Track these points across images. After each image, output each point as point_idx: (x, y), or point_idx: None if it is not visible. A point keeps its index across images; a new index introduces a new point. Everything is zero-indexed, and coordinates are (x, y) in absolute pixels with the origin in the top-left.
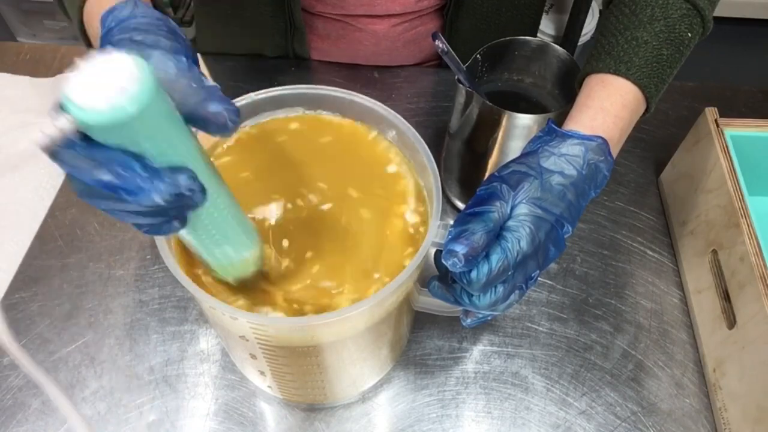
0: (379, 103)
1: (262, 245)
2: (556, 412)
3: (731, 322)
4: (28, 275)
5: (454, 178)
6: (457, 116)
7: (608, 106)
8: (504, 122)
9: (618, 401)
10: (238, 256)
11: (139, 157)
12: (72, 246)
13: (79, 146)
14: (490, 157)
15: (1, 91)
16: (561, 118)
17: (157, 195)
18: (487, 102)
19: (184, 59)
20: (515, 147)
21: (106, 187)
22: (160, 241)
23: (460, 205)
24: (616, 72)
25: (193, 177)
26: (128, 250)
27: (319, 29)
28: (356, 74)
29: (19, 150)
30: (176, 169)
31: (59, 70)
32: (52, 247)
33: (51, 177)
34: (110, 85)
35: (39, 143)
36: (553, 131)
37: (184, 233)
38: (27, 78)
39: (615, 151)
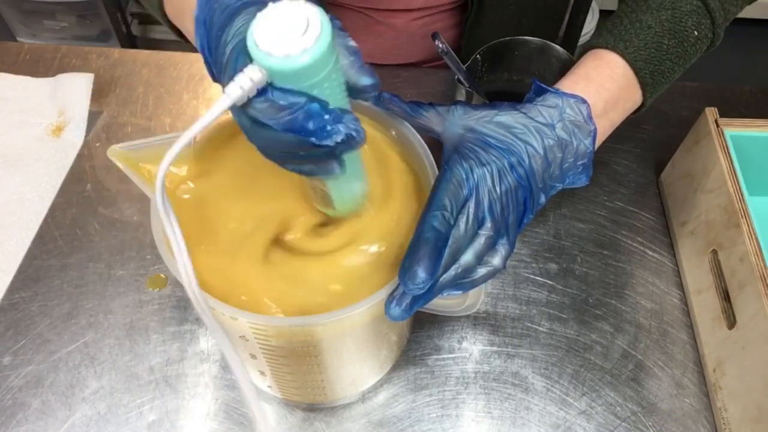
0: None
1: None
2: (556, 412)
3: (731, 322)
4: (28, 275)
5: None
6: None
7: (594, 75)
8: None
9: (618, 401)
10: (359, 191)
11: (321, 101)
12: (72, 246)
13: (269, 94)
14: None
15: (1, 91)
16: None
17: (338, 135)
18: (487, 102)
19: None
20: None
21: (296, 131)
22: (160, 241)
23: None
24: (613, 48)
25: (357, 118)
26: (128, 250)
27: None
28: None
29: (214, 106)
30: (345, 111)
31: (59, 70)
32: (52, 247)
33: (51, 177)
34: (297, 31)
35: (232, 96)
36: (530, 92)
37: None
38: (27, 78)
39: (600, 124)
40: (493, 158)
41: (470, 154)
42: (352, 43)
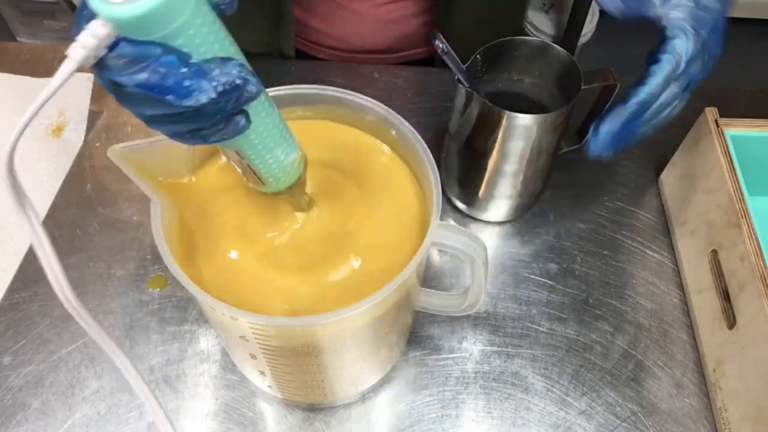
0: (379, 103)
1: (303, 154)
2: (556, 412)
3: (731, 322)
4: (28, 275)
5: (454, 178)
6: (456, 116)
7: None
8: (504, 122)
9: (618, 401)
10: (287, 159)
11: (181, 54)
12: (72, 246)
13: (118, 49)
14: (490, 157)
15: (1, 91)
16: (560, 118)
17: (202, 94)
18: (487, 102)
19: None
20: (515, 147)
21: (150, 88)
22: (160, 241)
23: (460, 206)
24: None
25: (242, 65)
26: (128, 250)
27: (304, 7)
28: (356, 74)
29: (59, 72)
30: (224, 60)
31: None
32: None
33: (51, 177)
34: None
35: (75, 57)
36: None
37: (236, 143)
38: (27, 78)
39: None
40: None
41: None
42: None
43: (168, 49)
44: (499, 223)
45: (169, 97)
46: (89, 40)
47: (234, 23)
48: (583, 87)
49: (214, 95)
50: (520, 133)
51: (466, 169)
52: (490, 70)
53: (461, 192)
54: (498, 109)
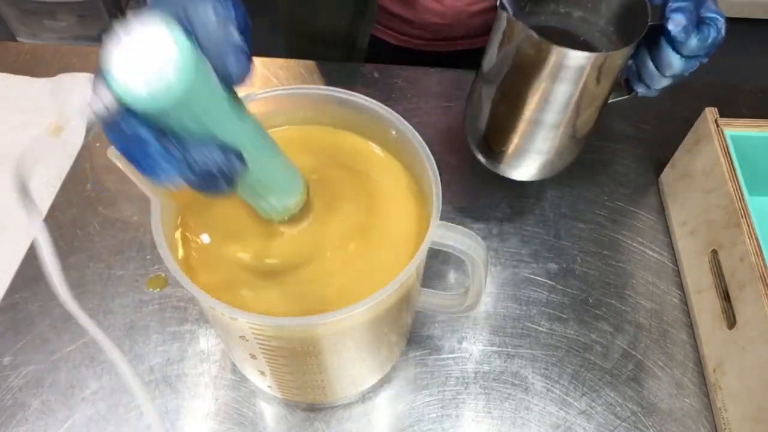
0: (378, 103)
1: (306, 187)
2: (556, 412)
3: (731, 322)
4: (28, 275)
5: (480, 127)
6: (492, 51)
7: None
8: (552, 60)
9: (618, 401)
10: (281, 204)
11: (163, 129)
12: (72, 246)
13: (118, 117)
14: (528, 102)
15: (1, 91)
16: (620, 60)
17: (166, 175)
18: (534, 34)
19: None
20: (561, 92)
21: (129, 158)
22: (160, 241)
23: (483, 159)
24: None
25: (227, 155)
26: (128, 250)
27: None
28: (356, 74)
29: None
30: (206, 145)
31: (59, 70)
32: (52, 247)
33: (51, 177)
34: (149, 64)
35: (87, 117)
36: None
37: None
38: (27, 78)
39: None
40: None
41: None
42: (235, 37)
43: (145, 122)
44: (500, 221)
45: (137, 167)
46: (97, 104)
47: (313, 10)
48: (650, 23)
49: (178, 178)
50: (570, 75)
51: (498, 115)
52: (536, 2)
53: (486, 143)
54: (547, 43)
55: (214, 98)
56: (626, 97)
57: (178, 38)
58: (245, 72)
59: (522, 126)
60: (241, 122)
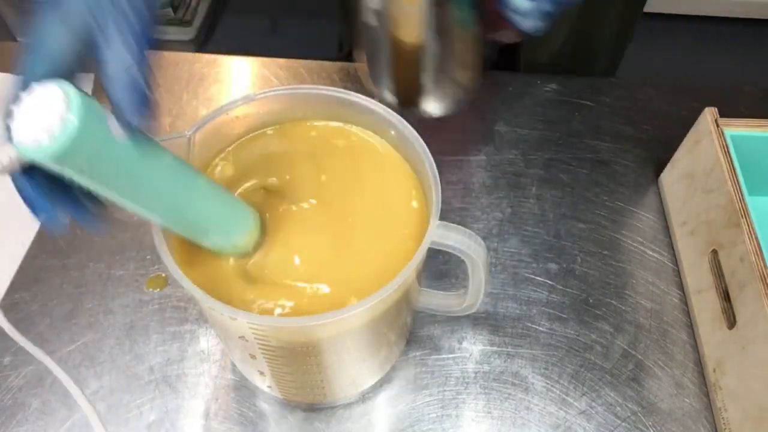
0: (378, 103)
1: (259, 225)
2: (556, 412)
3: (731, 322)
4: (28, 275)
5: (383, 69)
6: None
7: None
8: None
9: (618, 401)
10: (228, 243)
11: (44, 177)
12: (72, 246)
13: (24, 171)
14: (411, 35)
15: (1, 91)
16: None
17: (51, 223)
18: None
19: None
20: (435, 14)
21: (24, 200)
22: (160, 241)
23: (391, 99)
24: None
25: (81, 210)
26: (128, 250)
27: None
28: (355, 74)
29: None
30: (64, 201)
31: None
32: (52, 247)
33: None
34: (41, 121)
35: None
36: None
37: (163, 223)
38: None
39: None
40: None
41: None
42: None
43: (30, 169)
44: (500, 221)
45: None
46: (4, 159)
47: None
48: None
49: (45, 224)
50: None
51: (391, 54)
52: None
53: (392, 83)
54: None
55: (110, 146)
56: (512, 33)
57: (69, 93)
58: (145, 119)
59: (415, 58)
60: (154, 165)
